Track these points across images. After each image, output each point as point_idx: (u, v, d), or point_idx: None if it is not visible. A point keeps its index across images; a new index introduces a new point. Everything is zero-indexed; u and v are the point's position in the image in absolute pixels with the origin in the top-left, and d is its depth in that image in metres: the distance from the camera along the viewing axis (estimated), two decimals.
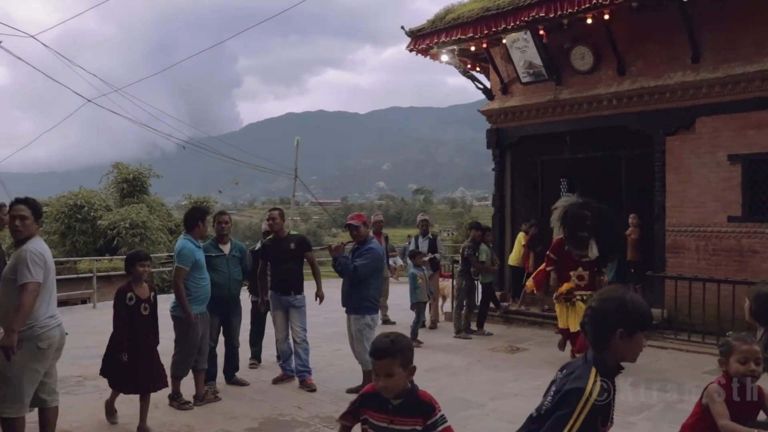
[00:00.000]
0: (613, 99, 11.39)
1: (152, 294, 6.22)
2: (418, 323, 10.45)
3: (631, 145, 11.83)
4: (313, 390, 7.46)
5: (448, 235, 61.03)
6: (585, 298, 8.35)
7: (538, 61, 12.21)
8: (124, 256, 7.02)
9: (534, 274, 10.04)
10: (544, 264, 9.36)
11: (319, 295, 7.63)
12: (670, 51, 10.80)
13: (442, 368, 8.71)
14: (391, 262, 12.41)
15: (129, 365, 5.91)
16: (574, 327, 8.29)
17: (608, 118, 11.56)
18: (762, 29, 9.91)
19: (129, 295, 6.01)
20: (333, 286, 8.98)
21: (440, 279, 12.43)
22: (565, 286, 8.74)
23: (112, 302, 6.35)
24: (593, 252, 8.63)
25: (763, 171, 10.00)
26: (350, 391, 7.19)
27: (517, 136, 13.08)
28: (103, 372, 6.19)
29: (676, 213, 10.77)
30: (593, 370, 2.42)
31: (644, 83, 11.00)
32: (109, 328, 6.21)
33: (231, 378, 7.74)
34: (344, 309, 7.25)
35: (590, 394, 2.35)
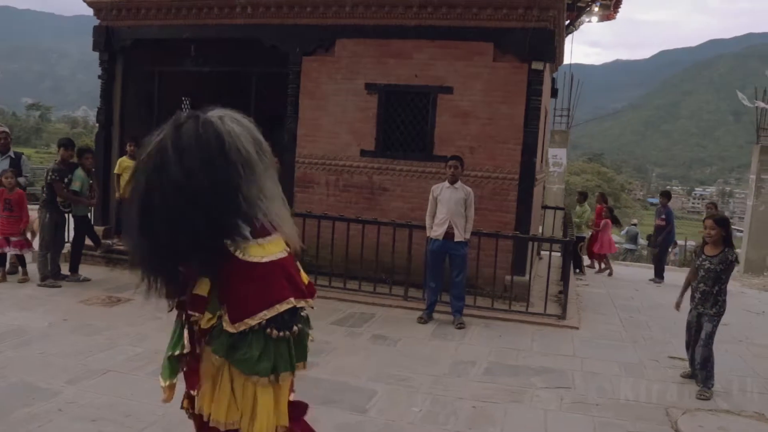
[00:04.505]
0: (248, 7, 9.75)
1: None
2: None
3: (265, 62, 10.34)
4: None
5: None
6: None
7: None
8: None
9: None
10: None
11: None
12: None
13: (12, 334, 6.40)
14: None
15: None
16: None
17: (242, 27, 9.90)
18: None
19: None
20: None
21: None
22: None
23: None
24: None
25: (399, 104, 9.37)
26: None
27: (131, 38, 10.71)
28: None
29: (309, 143, 9.69)
30: None
31: None
32: None
33: None
34: None
35: None
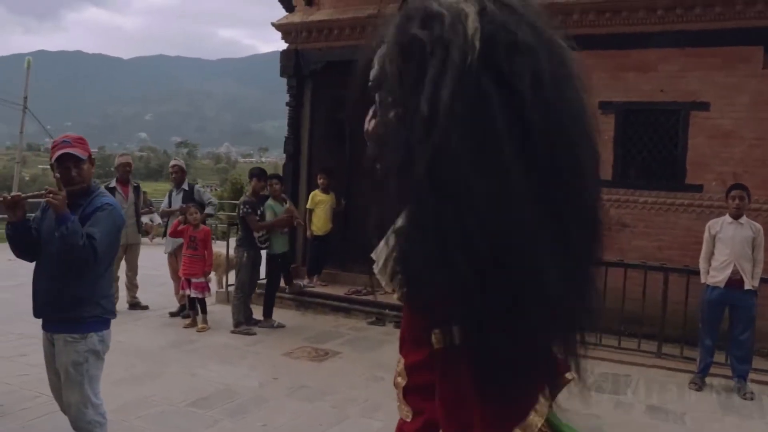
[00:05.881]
0: None
1: None
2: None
3: None
4: None
5: (212, 190, 57.84)
6: None
7: None
8: None
9: None
10: None
11: None
12: None
13: (223, 396, 5.52)
14: (147, 219, 9.16)
15: None
16: None
17: None
18: None
19: None
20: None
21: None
22: None
23: None
24: None
25: (641, 125, 7.95)
26: None
27: (322, 61, 9.91)
28: None
29: None
30: None
31: None
32: None
33: None
34: (40, 321, 3.61)
35: None
